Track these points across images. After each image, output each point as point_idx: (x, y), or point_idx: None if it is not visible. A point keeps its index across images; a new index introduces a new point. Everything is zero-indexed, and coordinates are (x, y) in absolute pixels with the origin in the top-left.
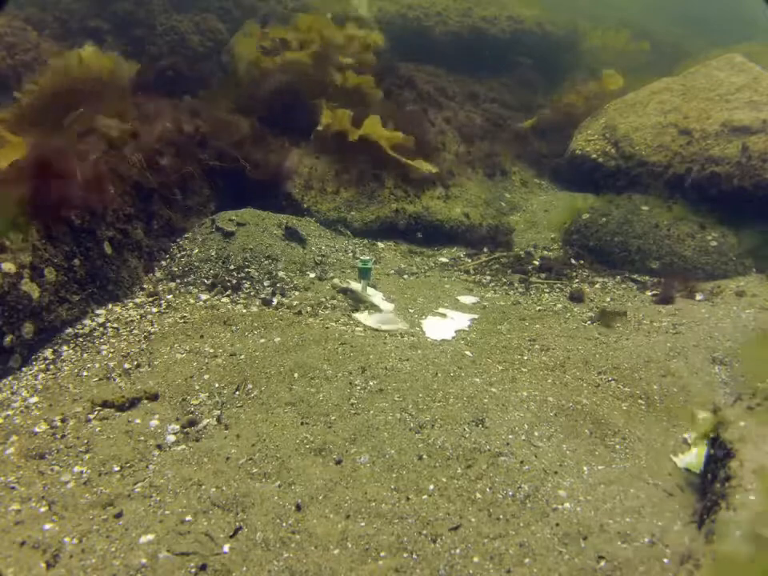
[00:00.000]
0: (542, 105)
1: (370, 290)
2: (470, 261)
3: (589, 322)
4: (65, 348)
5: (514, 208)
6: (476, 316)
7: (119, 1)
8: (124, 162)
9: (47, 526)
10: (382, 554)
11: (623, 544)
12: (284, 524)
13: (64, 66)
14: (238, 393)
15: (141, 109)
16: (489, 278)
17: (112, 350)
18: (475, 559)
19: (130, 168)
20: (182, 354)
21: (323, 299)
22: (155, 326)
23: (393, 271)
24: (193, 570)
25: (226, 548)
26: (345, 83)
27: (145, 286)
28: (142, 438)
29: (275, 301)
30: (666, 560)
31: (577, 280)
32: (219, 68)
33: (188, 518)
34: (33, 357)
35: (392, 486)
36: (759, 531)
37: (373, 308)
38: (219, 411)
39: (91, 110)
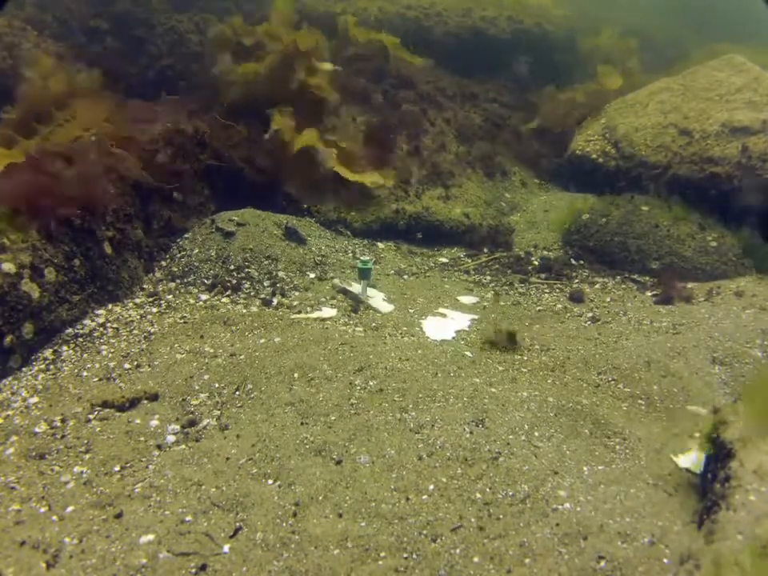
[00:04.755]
0: (542, 104)
1: (370, 291)
2: (470, 261)
3: (588, 323)
4: (65, 348)
5: (514, 208)
6: (476, 316)
7: (119, 1)
8: (123, 162)
9: (47, 526)
10: (382, 554)
11: (623, 544)
12: (284, 524)
13: (36, 83)
14: (238, 393)
15: (138, 110)
16: (489, 278)
17: (112, 350)
18: (475, 559)
19: (129, 168)
20: (182, 354)
21: (323, 299)
22: (155, 326)
23: (393, 271)
24: (193, 570)
25: (226, 548)
26: None
27: (145, 286)
28: (142, 438)
29: (275, 301)
30: (666, 560)
31: (577, 280)
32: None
33: (188, 518)
34: (33, 357)
35: (392, 486)
36: (759, 532)
37: (370, 311)
38: (219, 411)
39: (84, 116)
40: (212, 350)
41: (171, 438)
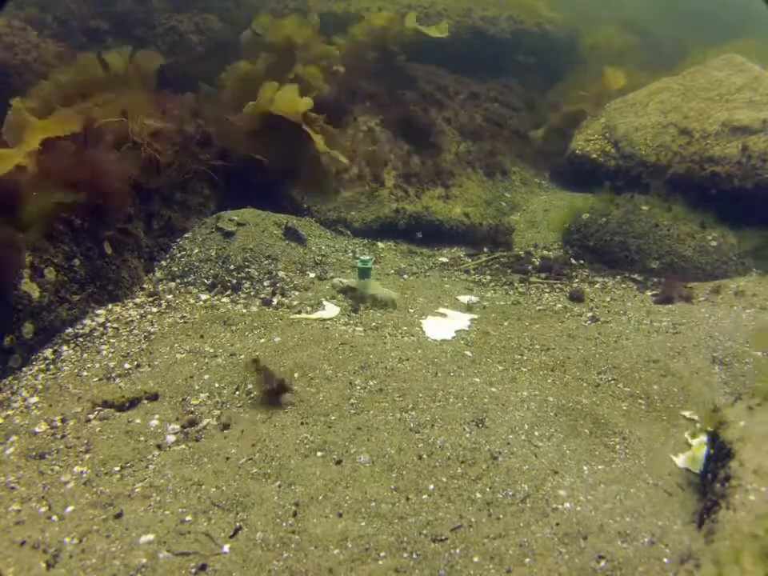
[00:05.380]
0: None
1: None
2: (470, 261)
3: (589, 322)
4: (65, 348)
5: (514, 208)
6: (476, 316)
7: (119, 1)
8: (126, 161)
9: (47, 526)
10: (382, 554)
11: (623, 544)
12: (284, 524)
13: (84, 64)
14: (237, 393)
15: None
16: (489, 277)
17: (112, 350)
18: (475, 559)
19: (130, 168)
20: (182, 353)
21: (323, 299)
22: (155, 325)
23: (393, 271)
24: (193, 570)
25: (226, 548)
26: None
27: (145, 285)
28: (142, 438)
29: (275, 301)
30: (666, 560)
31: (577, 280)
32: (220, 67)
33: (188, 518)
34: (33, 357)
35: (392, 486)
36: (759, 532)
37: (376, 302)
38: (219, 411)
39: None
40: (212, 350)
41: (171, 438)
